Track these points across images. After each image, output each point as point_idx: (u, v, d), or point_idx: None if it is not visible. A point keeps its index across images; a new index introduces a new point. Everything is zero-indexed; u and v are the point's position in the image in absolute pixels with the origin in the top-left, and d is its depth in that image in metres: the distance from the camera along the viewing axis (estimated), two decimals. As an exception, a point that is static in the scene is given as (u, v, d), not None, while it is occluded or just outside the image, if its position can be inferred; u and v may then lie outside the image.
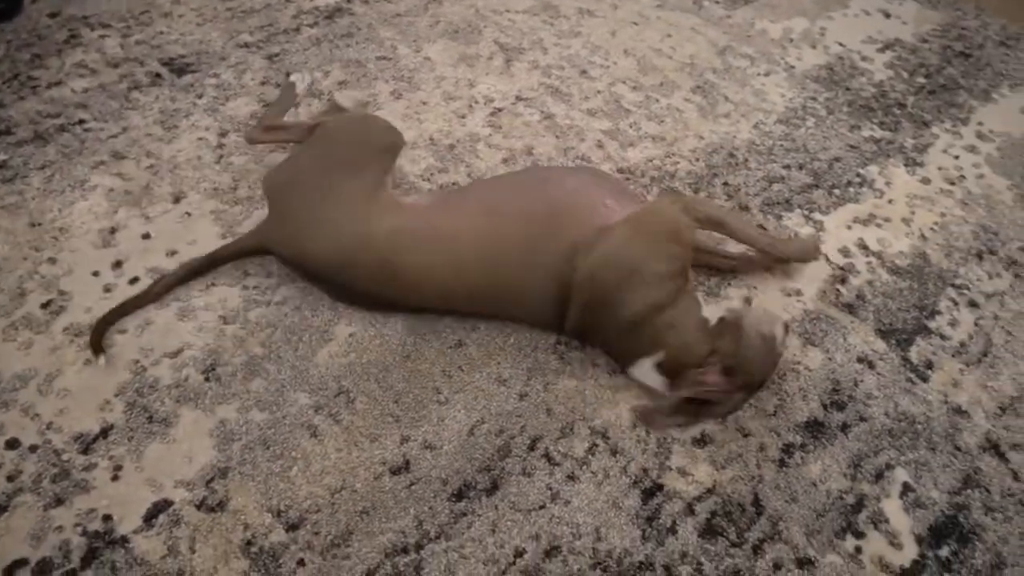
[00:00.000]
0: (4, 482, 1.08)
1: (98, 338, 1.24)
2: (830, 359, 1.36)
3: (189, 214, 1.49)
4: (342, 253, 1.25)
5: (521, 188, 1.35)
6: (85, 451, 1.12)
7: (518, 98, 1.84)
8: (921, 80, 2.10)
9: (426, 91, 1.84)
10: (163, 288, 1.32)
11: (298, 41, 1.96)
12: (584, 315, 1.23)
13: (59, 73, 1.79)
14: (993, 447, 1.27)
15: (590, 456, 1.18)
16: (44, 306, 1.31)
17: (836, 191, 1.71)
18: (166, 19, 2.00)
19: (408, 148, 1.67)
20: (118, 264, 1.39)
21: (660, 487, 1.16)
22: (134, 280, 1.36)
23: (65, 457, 1.11)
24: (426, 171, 1.62)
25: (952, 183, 1.77)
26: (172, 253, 1.41)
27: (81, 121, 1.67)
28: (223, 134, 1.67)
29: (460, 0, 2.18)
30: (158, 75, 1.81)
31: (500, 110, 1.80)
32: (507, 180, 1.45)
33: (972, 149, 1.88)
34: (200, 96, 1.76)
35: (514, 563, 1.06)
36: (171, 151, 1.61)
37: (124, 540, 1.04)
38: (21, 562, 1.01)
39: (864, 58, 2.17)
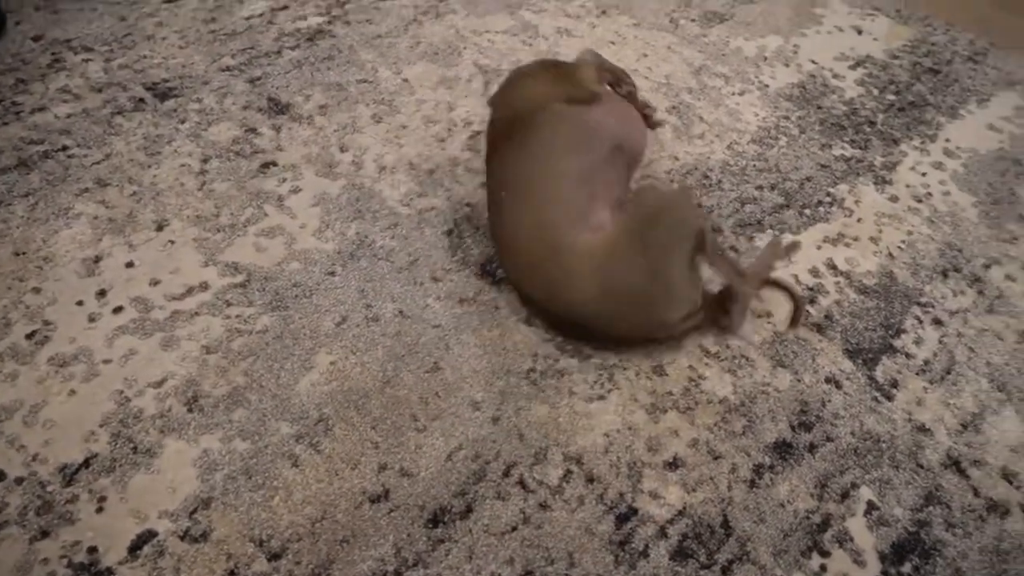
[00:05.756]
0: (-9, 515, 1.11)
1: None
2: (799, 380, 1.41)
3: (172, 242, 1.52)
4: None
5: None
6: (69, 483, 1.15)
7: (496, 121, 1.88)
8: (891, 97, 2.15)
9: (406, 115, 1.87)
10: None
11: (279, 64, 1.98)
12: None
13: (43, 98, 1.81)
14: (954, 464, 1.32)
15: (564, 483, 1.22)
16: (29, 336, 1.33)
17: (807, 211, 1.75)
18: (149, 42, 2.02)
19: (388, 173, 1.70)
20: (102, 293, 1.41)
21: (634, 511, 1.20)
22: (118, 309, 1.39)
23: (50, 489, 1.14)
24: (406, 196, 1.66)
25: (919, 201, 1.82)
26: (155, 282, 1.44)
27: (64, 147, 1.69)
28: (205, 160, 1.69)
29: (440, 20, 2.21)
30: (141, 100, 1.83)
31: (479, 133, 1.84)
32: None
33: (939, 166, 1.93)
34: (183, 121, 1.79)
35: (490, 588, 1.10)
36: (154, 177, 1.64)
37: (109, 572, 1.06)
38: (8, 595, 1.04)
39: (836, 75, 2.21)
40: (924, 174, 1.90)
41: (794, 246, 1.59)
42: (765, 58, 2.24)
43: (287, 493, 1.17)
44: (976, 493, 1.28)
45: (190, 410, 1.26)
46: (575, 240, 1.32)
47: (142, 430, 1.23)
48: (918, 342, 1.50)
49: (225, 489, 1.17)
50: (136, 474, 1.17)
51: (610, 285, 1.30)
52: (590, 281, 1.30)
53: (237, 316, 1.40)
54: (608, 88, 1.61)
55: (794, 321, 1.49)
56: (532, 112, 1.46)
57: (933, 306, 1.57)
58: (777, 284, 1.54)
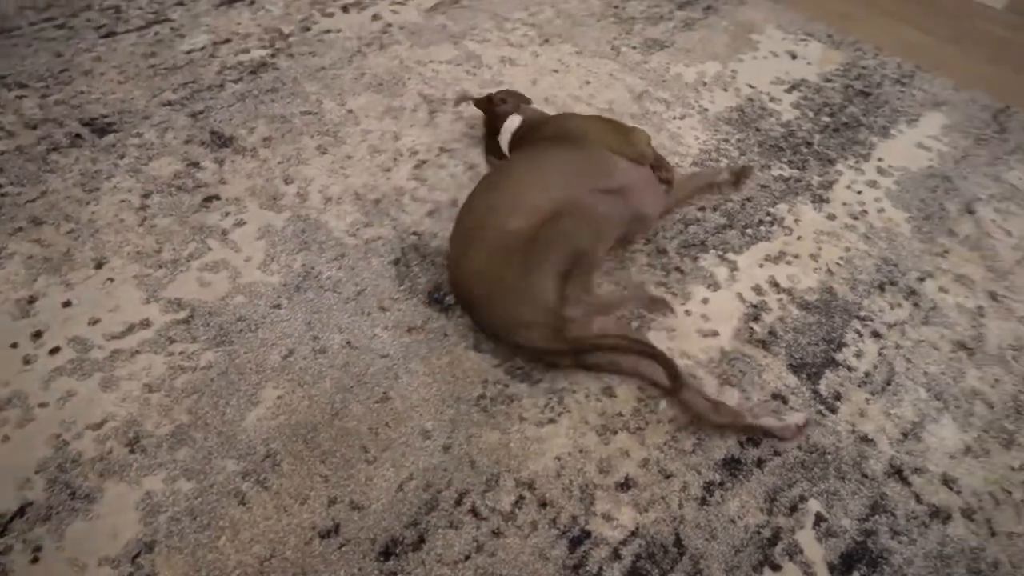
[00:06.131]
0: (-82, 571, 1.06)
1: None
2: (747, 398, 1.43)
3: (112, 279, 1.48)
4: None
5: None
6: (2, 533, 1.10)
7: (442, 149, 1.89)
8: (826, 119, 2.22)
9: (351, 145, 1.87)
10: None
11: (222, 97, 1.97)
12: None
13: (-26, 137, 1.77)
14: (897, 472, 1.35)
15: (517, 509, 1.21)
16: (-40, 382, 1.29)
17: (748, 231, 1.79)
18: (87, 78, 1.99)
19: (334, 204, 1.70)
20: (38, 334, 1.37)
21: (588, 534, 1.20)
22: (55, 350, 1.35)
23: (-17, 541, 1.09)
24: (352, 226, 1.65)
25: (855, 218, 1.87)
26: (94, 321, 1.40)
27: (-3, 186, 1.65)
28: (146, 195, 1.67)
29: (384, 52, 2.22)
30: (78, 136, 1.80)
31: (425, 162, 1.85)
32: None
33: (873, 184, 1.99)
34: (122, 156, 1.76)
35: (444, 619, 1.08)
36: (92, 214, 1.61)
37: (46, 624, 1.03)
38: (-63, 654, 0.99)
39: (773, 99, 2.28)
40: (859, 192, 1.96)
41: (661, 303, 1.40)
42: (704, 83, 2.30)
43: (234, 532, 1.14)
44: (919, 500, 1.31)
45: (132, 451, 1.23)
46: (504, 223, 1.38)
47: (80, 474, 1.19)
48: (859, 355, 1.54)
49: (169, 531, 1.13)
50: (74, 521, 1.14)
51: (492, 267, 1.35)
52: (483, 259, 1.36)
53: (180, 353, 1.37)
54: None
55: (673, 389, 1.32)
56: (578, 137, 1.60)
57: (872, 319, 1.62)
58: (648, 353, 1.33)
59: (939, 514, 1.29)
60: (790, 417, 1.37)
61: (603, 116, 1.78)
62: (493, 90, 1.99)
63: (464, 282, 1.41)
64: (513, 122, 1.76)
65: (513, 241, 1.35)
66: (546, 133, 1.67)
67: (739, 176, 1.87)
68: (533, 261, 1.32)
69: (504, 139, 1.77)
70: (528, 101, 1.89)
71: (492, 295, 1.35)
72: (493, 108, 1.82)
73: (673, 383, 1.32)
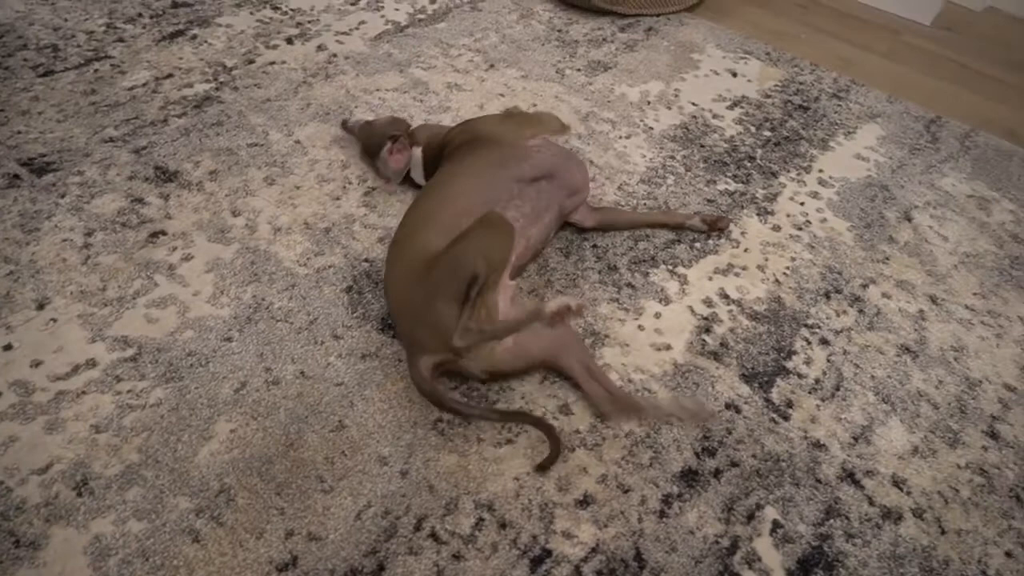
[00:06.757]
0: None
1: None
2: (700, 407, 1.45)
3: (54, 320, 1.45)
4: None
5: None
6: (-56, 588, 1.07)
7: (391, 176, 1.89)
8: (767, 133, 2.28)
9: (299, 175, 1.87)
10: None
11: (166, 132, 1.95)
12: None
13: (-93, 180, 1.72)
14: (849, 476, 1.37)
15: (477, 532, 1.21)
16: None
17: (697, 244, 1.83)
18: (24, 117, 1.95)
19: (283, 234, 1.69)
20: (-23, 380, 1.34)
21: (549, 553, 1.20)
22: (-4, 395, 1.31)
23: (-79, 596, 1.05)
24: (302, 255, 1.64)
25: (799, 228, 1.92)
26: (37, 363, 1.37)
27: (-67, 230, 1.60)
28: (89, 233, 1.64)
29: (330, 81, 2.23)
30: (16, 176, 1.76)
31: (374, 189, 1.85)
32: None
33: (815, 195, 2.05)
34: (63, 195, 1.73)
35: (407, 648, 1.07)
36: (32, 255, 1.57)
37: None
38: None
39: (716, 116, 2.33)
40: (802, 203, 2.01)
41: (563, 312, 1.29)
42: (648, 102, 2.34)
43: (189, 571, 1.12)
44: (871, 502, 1.34)
45: (79, 494, 1.19)
46: (432, 239, 1.39)
47: (25, 521, 1.15)
48: (808, 362, 1.57)
49: (120, 574, 1.10)
50: (19, 570, 1.10)
51: (405, 287, 1.37)
52: (400, 279, 1.40)
53: (128, 391, 1.35)
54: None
55: (546, 463, 1.31)
56: (488, 135, 1.65)
57: (819, 327, 1.66)
58: (537, 424, 1.35)
59: (891, 515, 1.32)
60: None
61: (506, 109, 1.88)
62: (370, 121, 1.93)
63: (388, 301, 1.46)
64: (416, 155, 1.77)
65: (420, 260, 1.35)
66: (458, 143, 1.67)
67: (713, 226, 1.84)
68: (434, 287, 1.30)
69: (416, 173, 1.78)
70: (406, 124, 1.86)
71: (403, 314, 1.39)
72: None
73: (551, 455, 1.31)
